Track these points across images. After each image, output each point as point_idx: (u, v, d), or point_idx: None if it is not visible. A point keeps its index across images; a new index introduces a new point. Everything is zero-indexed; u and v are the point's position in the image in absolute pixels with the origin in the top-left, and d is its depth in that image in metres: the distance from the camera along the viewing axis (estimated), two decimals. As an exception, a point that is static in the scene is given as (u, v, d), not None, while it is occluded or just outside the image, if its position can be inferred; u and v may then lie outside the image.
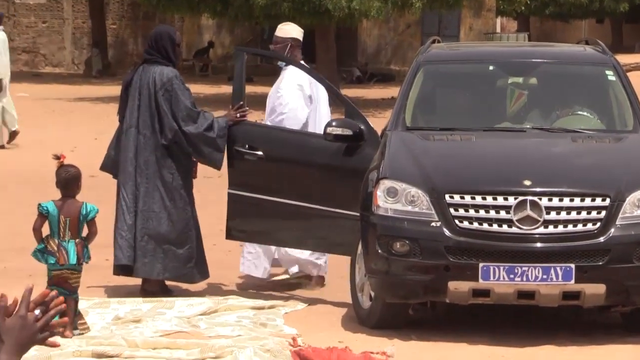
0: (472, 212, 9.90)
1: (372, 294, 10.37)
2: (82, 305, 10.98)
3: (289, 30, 12.26)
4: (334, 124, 11.28)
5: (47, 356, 9.14)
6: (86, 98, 33.60)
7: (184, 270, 11.48)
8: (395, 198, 10.07)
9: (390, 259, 9.98)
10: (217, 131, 11.35)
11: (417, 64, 11.71)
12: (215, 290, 11.69)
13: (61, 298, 3.60)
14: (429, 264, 9.88)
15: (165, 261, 11.38)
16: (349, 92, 35.53)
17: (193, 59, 44.85)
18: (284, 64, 12.19)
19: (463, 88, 11.88)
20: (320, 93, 12.03)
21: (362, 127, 11.11)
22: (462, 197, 9.93)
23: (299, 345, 9.62)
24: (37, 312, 3.56)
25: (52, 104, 32.18)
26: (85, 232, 10.06)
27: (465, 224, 9.88)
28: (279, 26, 12.42)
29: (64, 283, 9.83)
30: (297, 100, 11.77)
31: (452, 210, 9.92)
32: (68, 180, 10.03)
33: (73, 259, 9.83)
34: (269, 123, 11.89)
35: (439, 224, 9.91)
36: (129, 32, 45.19)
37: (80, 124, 27.33)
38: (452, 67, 12.10)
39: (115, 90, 33.36)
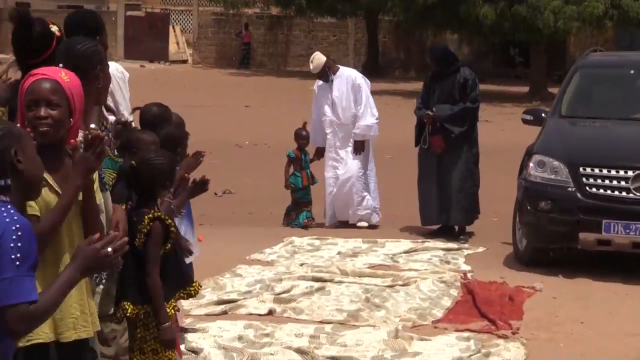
0: (599, 181, 9.56)
1: (525, 240, 10.09)
2: (317, 243, 10.99)
3: (319, 58, 12.03)
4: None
5: (278, 279, 9.14)
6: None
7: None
8: (543, 168, 9.78)
9: (537, 214, 9.77)
10: None
11: (575, 68, 11.35)
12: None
13: (123, 240, 3.38)
14: (565, 218, 9.61)
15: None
16: (556, 90, 34.60)
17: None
18: (331, 78, 11.91)
19: (608, 86, 11.34)
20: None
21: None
22: (593, 170, 9.62)
23: (468, 279, 9.38)
24: (109, 249, 3.34)
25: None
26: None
27: (594, 190, 9.56)
28: (311, 62, 12.06)
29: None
30: None
31: (584, 179, 9.61)
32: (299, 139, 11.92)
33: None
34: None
35: (573, 189, 9.62)
36: (394, 44, 45.11)
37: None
38: (601, 71, 11.50)
39: (387, 86, 33.32)
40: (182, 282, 5.16)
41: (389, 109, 24.80)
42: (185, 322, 7.71)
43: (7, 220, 3.15)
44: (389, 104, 27.77)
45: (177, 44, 46.29)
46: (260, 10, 46.25)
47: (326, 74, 11.95)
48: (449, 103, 11.26)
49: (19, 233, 3.15)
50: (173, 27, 46.68)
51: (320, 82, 12.09)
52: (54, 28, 4.31)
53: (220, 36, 45.45)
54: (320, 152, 12.11)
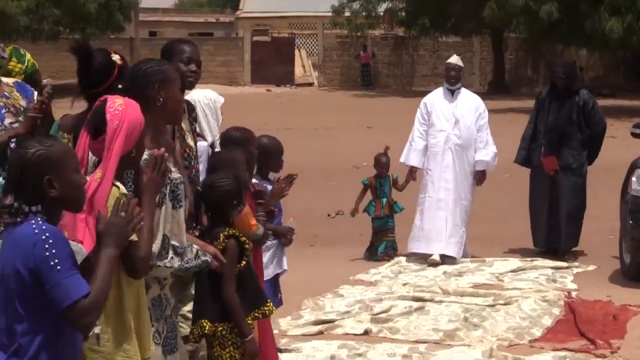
0: None
1: (630, 256, 9.94)
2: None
3: (460, 60, 11.63)
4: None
5: (379, 299, 9.16)
6: (495, 110, 33.38)
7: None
8: None
9: (639, 228, 9.56)
10: None
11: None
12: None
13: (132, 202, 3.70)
14: None
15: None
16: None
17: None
18: (457, 87, 11.29)
19: None
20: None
21: None
22: None
23: (572, 298, 9.24)
24: None
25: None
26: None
27: None
28: (456, 56, 11.63)
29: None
30: None
31: None
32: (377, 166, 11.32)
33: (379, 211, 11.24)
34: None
35: None
36: (522, 61, 44.62)
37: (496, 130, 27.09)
38: None
39: (513, 104, 32.87)
40: (257, 301, 5.24)
41: (512, 126, 24.48)
42: (281, 342, 7.80)
43: (36, 231, 3.41)
44: (513, 121, 27.44)
45: (303, 67, 46.75)
46: (385, 31, 46.36)
47: (457, 79, 11.28)
48: (566, 125, 11.11)
49: (50, 240, 3.40)
50: (299, 50, 47.16)
51: (434, 97, 11.38)
52: (116, 57, 4.42)
53: (345, 58, 45.73)
54: (412, 172, 11.30)
